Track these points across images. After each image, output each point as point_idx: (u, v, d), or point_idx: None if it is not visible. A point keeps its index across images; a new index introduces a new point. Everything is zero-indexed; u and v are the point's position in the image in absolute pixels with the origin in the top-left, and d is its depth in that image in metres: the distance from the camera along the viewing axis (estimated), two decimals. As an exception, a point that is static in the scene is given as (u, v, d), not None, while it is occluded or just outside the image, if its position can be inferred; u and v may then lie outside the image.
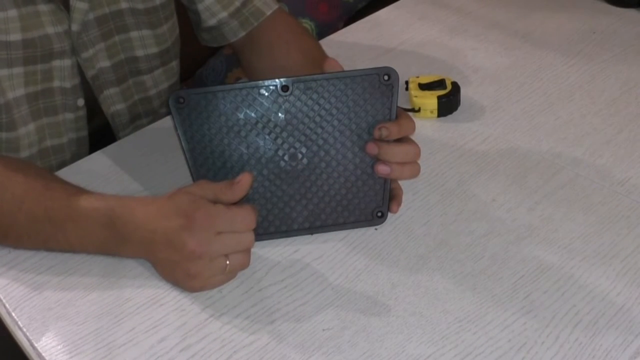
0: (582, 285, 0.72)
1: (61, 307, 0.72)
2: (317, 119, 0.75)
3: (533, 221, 0.80)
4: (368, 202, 0.79)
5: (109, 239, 0.73)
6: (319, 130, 0.76)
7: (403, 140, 0.78)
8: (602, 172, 0.86)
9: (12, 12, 0.83)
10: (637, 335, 0.67)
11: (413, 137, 0.79)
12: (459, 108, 0.98)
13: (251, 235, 0.72)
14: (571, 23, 1.17)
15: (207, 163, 0.76)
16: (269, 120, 0.75)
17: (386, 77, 0.74)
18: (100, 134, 0.99)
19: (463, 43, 1.13)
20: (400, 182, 0.82)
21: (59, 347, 0.68)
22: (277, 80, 0.74)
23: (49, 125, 0.93)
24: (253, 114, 0.74)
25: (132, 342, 0.68)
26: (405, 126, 0.77)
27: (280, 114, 0.75)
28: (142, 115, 1.04)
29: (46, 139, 0.93)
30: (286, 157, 0.76)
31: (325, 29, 1.44)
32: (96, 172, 0.90)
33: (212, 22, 1.00)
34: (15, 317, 0.71)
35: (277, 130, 0.75)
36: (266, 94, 0.74)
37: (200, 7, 0.99)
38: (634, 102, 0.98)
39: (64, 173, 0.88)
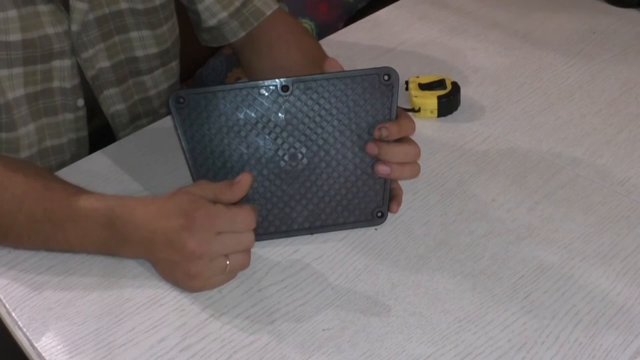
0: (582, 285, 0.72)
1: (61, 307, 0.72)
2: (317, 119, 0.75)
3: (533, 221, 0.80)
4: (368, 202, 0.79)
5: (109, 239, 0.73)
6: (319, 130, 0.76)
7: (403, 140, 0.78)
8: (602, 172, 0.86)
9: (12, 13, 0.83)
10: (637, 335, 0.67)
11: (413, 137, 0.79)
12: (459, 108, 0.98)
13: (251, 235, 0.72)
14: (571, 23, 1.17)
15: (207, 163, 0.76)
16: (269, 120, 0.75)
17: (386, 77, 0.74)
18: (100, 134, 0.99)
19: (463, 43, 1.13)
20: (400, 182, 0.82)
21: (59, 347, 0.68)
22: (277, 80, 0.74)
23: (49, 126, 0.93)
24: (253, 114, 0.74)
25: (132, 342, 0.68)
26: (405, 126, 0.77)
27: (280, 114, 0.75)
28: (142, 115, 1.04)
29: (46, 139, 0.93)
30: (286, 157, 0.76)
31: (325, 29, 1.45)
32: (96, 172, 0.90)
33: (212, 22, 1.00)
34: (15, 317, 0.71)
35: (277, 130, 0.75)
36: (266, 94, 0.74)
37: (200, 7, 0.99)
38: (634, 102, 0.98)
39: (64, 173, 0.88)
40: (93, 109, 0.97)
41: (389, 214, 0.80)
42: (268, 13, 1.00)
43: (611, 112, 0.96)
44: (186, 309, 0.71)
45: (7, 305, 0.73)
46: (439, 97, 0.96)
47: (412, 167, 0.78)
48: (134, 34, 0.96)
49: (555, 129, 0.94)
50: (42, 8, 0.86)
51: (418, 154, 0.78)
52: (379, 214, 0.79)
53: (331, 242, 0.78)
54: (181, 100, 0.73)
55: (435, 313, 0.70)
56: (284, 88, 0.74)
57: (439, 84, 0.97)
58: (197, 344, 0.68)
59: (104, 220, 0.72)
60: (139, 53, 0.98)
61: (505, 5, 1.23)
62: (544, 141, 0.92)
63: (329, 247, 0.78)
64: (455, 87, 0.98)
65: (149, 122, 1.03)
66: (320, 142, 0.76)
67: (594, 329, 0.68)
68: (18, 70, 0.86)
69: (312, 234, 0.79)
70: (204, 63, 1.48)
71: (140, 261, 0.76)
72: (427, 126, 0.95)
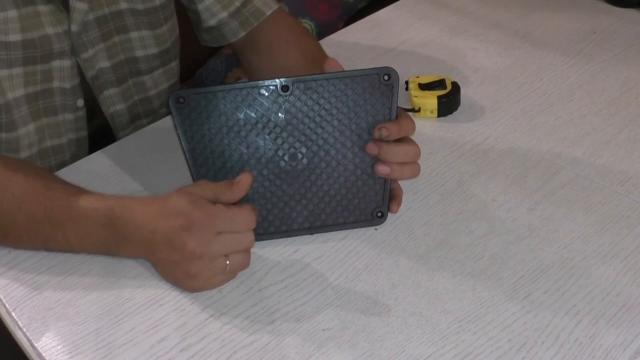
0: (582, 285, 0.72)
1: (61, 307, 0.72)
2: (317, 119, 0.75)
3: (533, 221, 0.80)
4: (368, 202, 0.79)
5: (109, 239, 0.73)
6: (319, 130, 0.76)
7: (403, 140, 0.78)
8: (602, 172, 0.86)
9: (12, 13, 0.83)
10: (637, 335, 0.67)
11: (413, 137, 0.79)
12: (459, 108, 0.98)
13: (251, 235, 0.72)
14: (571, 23, 1.17)
15: (207, 163, 0.76)
16: (269, 120, 0.75)
17: (386, 77, 0.74)
18: (100, 134, 0.99)
19: (463, 43, 1.13)
20: (400, 182, 0.82)
21: (59, 347, 0.68)
22: (277, 80, 0.74)
23: (49, 126, 0.93)
24: (253, 114, 0.74)
25: (132, 342, 0.68)
26: (405, 126, 0.77)
27: (280, 114, 0.75)
28: (142, 115, 1.04)
29: (46, 139, 0.93)
30: (286, 157, 0.76)
31: (325, 29, 1.45)
32: (96, 172, 0.90)
33: (212, 22, 1.00)
34: (15, 317, 0.71)
35: (277, 130, 0.75)
36: (266, 94, 0.74)
37: (200, 7, 0.99)
38: (634, 102, 0.98)
39: (64, 173, 0.88)
40: (93, 109, 0.97)
41: (389, 214, 0.80)
42: (268, 13, 1.00)
43: (611, 112, 0.96)
44: (186, 309, 0.71)
45: (7, 305, 0.73)
46: (439, 97, 0.96)
47: (412, 167, 0.78)
48: (134, 34, 0.96)
49: (555, 129, 0.94)
50: (42, 8, 0.86)
51: (418, 154, 0.78)
52: (379, 214, 0.79)
53: (331, 242, 0.78)
54: (181, 100, 0.73)
55: (435, 313, 0.70)
56: (284, 88, 0.74)
57: (439, 84, 0.97)
58: (197, 344, 0.68)
59: (104, 220, 0.72)
60: (139, 53, 0.98)
61: (505, 5, 1.23)
62: (544, 141, 0.92)
63: (329, 247, 0.78)
64: (455, 87, 0.98)
65: (149, 122, 1.03)
66: (320, 142, 0.76)
67: (594, 329, 0.68)
68: (18, 70, 0.86)
69: (312, 234, 0.79)
70: (204, 63, 1.48)
71: (140, 261, 0.76)
72: (427, 126, 0.95)
